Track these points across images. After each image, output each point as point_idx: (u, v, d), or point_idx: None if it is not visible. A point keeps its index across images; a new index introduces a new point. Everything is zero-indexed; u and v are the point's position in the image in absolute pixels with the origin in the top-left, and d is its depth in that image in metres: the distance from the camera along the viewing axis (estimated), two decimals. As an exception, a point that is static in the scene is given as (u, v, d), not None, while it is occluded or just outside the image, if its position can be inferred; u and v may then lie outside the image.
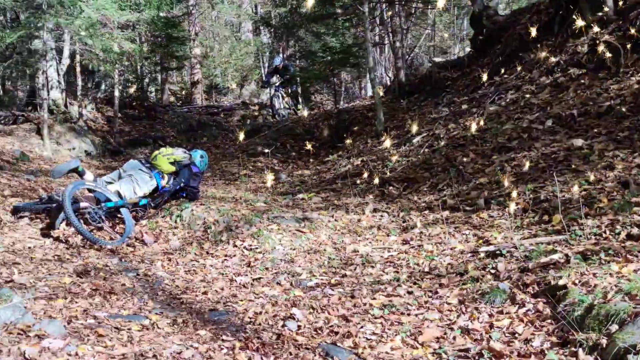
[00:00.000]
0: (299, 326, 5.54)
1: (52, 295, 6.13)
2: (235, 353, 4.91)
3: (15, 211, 9.83)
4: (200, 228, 9.32)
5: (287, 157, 16.66)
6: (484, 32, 15.81)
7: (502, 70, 13.21)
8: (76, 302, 5.99)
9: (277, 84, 23.06)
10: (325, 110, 23.23)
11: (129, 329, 5.33)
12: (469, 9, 22.49)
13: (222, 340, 5.20)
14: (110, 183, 10.14)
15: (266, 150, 16.97)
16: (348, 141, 12.99)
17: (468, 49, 21.92)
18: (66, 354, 4.52)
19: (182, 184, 10.59)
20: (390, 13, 18.09)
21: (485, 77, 11.22)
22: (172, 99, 31.55)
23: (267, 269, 7.43)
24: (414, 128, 11.41)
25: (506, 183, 8.29)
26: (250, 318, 5.82)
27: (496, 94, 12.09)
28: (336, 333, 5.31)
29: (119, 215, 9.75)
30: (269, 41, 31.98)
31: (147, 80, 28.34)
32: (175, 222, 9.75)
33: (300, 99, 24.53)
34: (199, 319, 5.85)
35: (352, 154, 14.01)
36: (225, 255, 8.11)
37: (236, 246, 8.35)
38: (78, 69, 20.65)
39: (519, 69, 12.64)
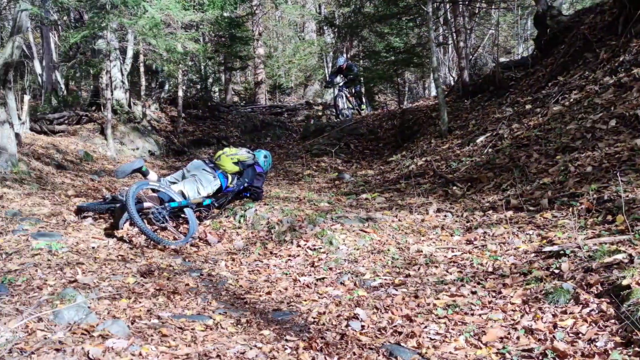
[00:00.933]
0: (362, 326, 5.54)
1: (115, 295, 6.21)
2: (298, 353, 4.94)
3: (79, 211, 9.94)
4: (264, 228, 9.33)
5: (351, 157, 16.66)
6: (547, 32, 15.67)
7: (566, 71, 13.10)
8: (140, 302, 6.07)
9: (340, 84, 23.07)
10: (389, 110, 23.25)
11: (192, 329, 5.39)
12: (533, 9, 22.31)
13: (286, 340, 5.22)
14: (173, 183, 10.23)
15: (330, 150, 16.99)
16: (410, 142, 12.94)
17: (532, 49, 21.77)
18: (130, 354, 4.59)
19: (245, 184, 10.64)
20: (454, 13, 18.03)
21: (548, 77, 11.13)
22: (235, 98, 31.80)
23: (330, 268, 7.41)
24: (478, 128, 11.38)
25: (570, 183, 8.25)
26: (313, 318, 5.83)
27: (560, 94, 11.98)
28: (400, 333, 5.29)
29: (182, 215, 9.83)
30: (333, 41, 31.99)
31: (210, 80, 28.44)
32: (239, 222, 9.79)
33: (364, 99, 24.47)
34: (262, 319, 5.87)
35: (415, 154, 13.99)
36: (289, 255, 8.10)
37: (300, 246, 8.34)
38: (142, 69, 20.77)
39: (582, 69, 12.52)
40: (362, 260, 7.57)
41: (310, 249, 8.15)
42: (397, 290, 6.41)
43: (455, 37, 17.97)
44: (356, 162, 16.05)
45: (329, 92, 29.15)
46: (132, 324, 5.38)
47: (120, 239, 8.86)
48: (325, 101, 29.01)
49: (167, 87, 25.50)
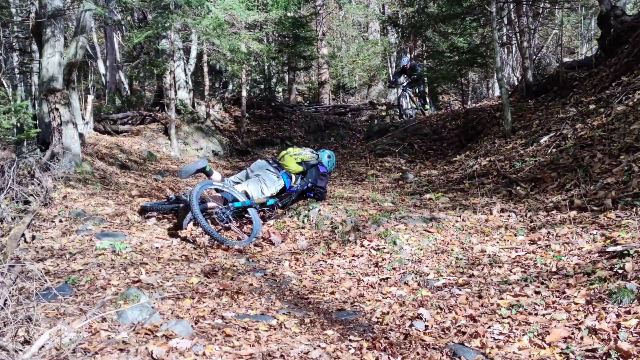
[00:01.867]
0: (426, 326, 5.53)
1: (179, 295, 6.28)
2: (362, 353, 4.95)
3: (143, 211, 10.08)
4: (328, 228, 9.35)
5: (415, 157, 16.59)
6: (611, 32, 15.50)
7: (630, 71, 12.96)
8: (203, 302, 6.13)
9: (404, 84, 23.03)
10: (452, 110, 23.14)
11: (256, 329, 5.43)
12: (597, 9, 22.08)
13: (350, 340, 5.24)
14: (237, 183, 10.29)
15: (394, 150, 16.99)
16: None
17: (595, 49, 21.54)
18: (194, 354, 4.65)
19: (309, 184, 10.66)
20: (517, 13, 17.93)
21: (612, 77, 11.02)
22: (299, 98, 31.92)
23: (394, 268, 7.40)
24: (542, 128, 11.30)
25: (634, 183, 8.17)
26: (377, 318, 5.83)
27: (623, 94, 11.86)
28: (463, 333, 5.28)
29: (246, 215, 9.88)
30: (396, 41, 32.00)
31: (274, 80, 28.62)
32: (303, 222, 9.83)
33: (427, 99, 24.38)
34: (326, 318, 5.89)
35: (479, 154, 13.93)
36: (353, 255, 8.09)
37: (363, 246, 8.32)
38: (205, 69, 20.95)
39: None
40: (425, 260, 7.55)
41: (374, 249, 8.13)
42: (461, 290, 6.39)
43: (519, 37, 17.86)
44: (420, 162, 16.00)
45: (392, 92, 29.26)
46: (196, 324, 5.45)
47: (184, 239, 8.96)
48: (389, 101, 29.04)
49: (230, 87, 25.67)
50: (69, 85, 12.63)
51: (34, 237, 8.13)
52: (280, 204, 10.39)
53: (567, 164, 10.24)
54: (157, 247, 8.39)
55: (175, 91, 18.65)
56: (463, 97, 26.31)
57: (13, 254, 7.15)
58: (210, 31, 16.11)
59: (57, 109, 11.78)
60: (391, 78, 26.55)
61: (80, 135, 12.94)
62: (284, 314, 5.99)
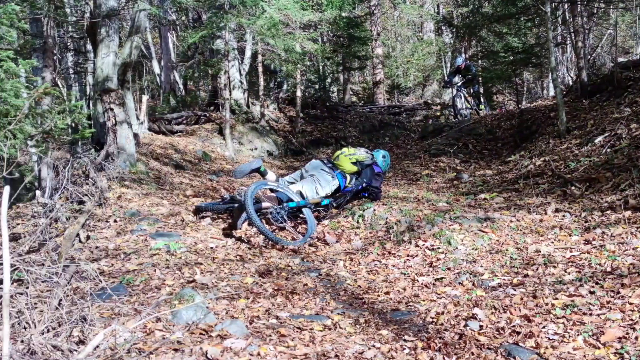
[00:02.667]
0: (480, 326, 5.52)
1: (234, 295, 6.32)
2: (417, 353, 4.96)
3: (198, 211, 10.14)
4: (382, 228, 9.32)
5: (469, 157, 16.53)
6: (667, 31, 15.39)
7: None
8: (258, 302, 6.16)
9: (459, 84, 22.87)
10: (507, 110, 23.03)
11: (311, 329, 5.45)
12: (652, 9, 21.88)
13: (404, 340, 5.24)
14: (292, 183, 10.29)
15: (448, 150, 16.97)
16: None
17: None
18: (248, 353, 4.68)
19: (364, 184, 10.63)
20: (572, 13, 17.81)
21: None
22: (354, 98, 31.93)
23: (449, 268, 7.38)
24: (596, 128, 11.21)
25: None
26: (432, 318, 5.83)
27: (679, 93, 11.76)
28: (518, 333, 5.27)
29: (301, 215, 9.88)
30: (451, 41, 31.85)
31: (329, 80, 28.61)
32: (357, 222, 9.81)
33: (482, 99, 24.26)
34: (381, 318, 5.89)
35: (534, 154, 13.82)
36: (407, 255, 8.08)
37: (418, 246, 8.30)
38: (260, 68, 21.06)
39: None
40: (480, 260, 7.53)
41: (429, 249, 8.12)
42: (515, 290, 6.36)
43: (573, 37, 17.71)
44: (474, 162, 15.94)
45: (447, 92, 29.14)
46: (251, 323, 5.48)
47: (239, 239, 8.98)
48: (443, 101, 28.93)
49: (285, 87, 25.73)
50: (124, 85, 12.75)
51: (88, 237, 8.22)
52: (334, 204, 10.37)
53: (622, 164, 10.17)
54: (211, 247, 8.45)
55: (230, 91, 18.73)
56: (517, 97, 26.09)
57: (68, 254, 7.25)
58: (265, 31, 16.17)
59: (111, 109, 11.90)
60: (446, 78, 26.50)
61: (135, 135, 13.05)
62: (338, 314, 6.01)
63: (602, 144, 11.80)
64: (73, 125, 12.32)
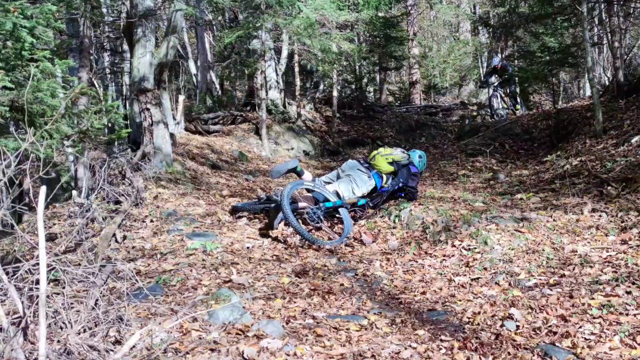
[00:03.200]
0: (517, 326, 5.52)
1: (270, 296, 6.35)
2: (453, 353, 4.98)
3: (234, 211, 10.17)
4: (419, 228, 9.28)
5: (506, 157, 16.46)
6: None
7: None
8: (294, 302, 6.19)
9: (495, 84, 22.81)
10: (543, 110, 22.93)
11: (347, 329, 5.46)
12: (691, 8, 21.70)
13: (441, 340, 5.26)
14: (328, 183, 10.27)
15: (485, 150, 16.94)
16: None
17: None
18: (284, 353, 4.71)
19: (400, 184, 10.58)
20: (608, 13, 17.74)
21: None
22: (390, 98, 31.96)
23: (485, 268, 7.37)
24: (633, 128, 11.15)
25: None
26: (468, 318, 5.84)
27: None
28: (555, 333, 5.27)
29: (337, 216, 9.89)
30: (487, 41, 31.82)
31: (365, 80, 28.73)
32: (394, 222, 9.77)
33: (518, 99, 24.11)
34: (417, 319, 5.90)
35: (570, 154, 13.76)
36: (444, 255, 8.07)
37: (454, 246, 8.29)
38: (296, 69, 21.07)
39: None
40: (516, 260, 7.49)
41: (465, 249, 8.10)
42: (551, 290, 6.35)
43: (610, 37, 17.67)
44: (511, 162, 15.87)
45: (483, 92, 29.00)
46: (287, 324, 5.50)
47: (275, 239, 8.99)
48: (479, 101, 28.83)
49: (321, 87, 25.79)
50: (160, 85, 12.80)
51: (125, 237, 8.28)
52: (371, 204, 10.32)
53: (659, 164, 10.12)
54: (248, 247, 8.47)
55: (267, 91, 18.80)
56: (554, 97, 26.03)
57: (104, 254, 7.30)
58: (302, 31, 16.22)
59: (148, 109, 11.98)
60: (482, 78, 26.41)
61: (172, 135, 13.11)
62: (375, 314, 6.01)
63: (638, 144, 11.74)
64: (109, 125, 12.39)
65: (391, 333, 5.46)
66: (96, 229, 8.29)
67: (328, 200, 9.64)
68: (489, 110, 23.24)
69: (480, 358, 4.91)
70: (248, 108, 20.39)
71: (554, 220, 8.82)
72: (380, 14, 23.08)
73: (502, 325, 5.54)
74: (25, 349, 4.15)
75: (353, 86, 27.61)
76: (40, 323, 3.80)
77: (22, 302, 4.24)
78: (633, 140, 12.06)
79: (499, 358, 4.89)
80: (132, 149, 12.11)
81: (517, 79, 23.90)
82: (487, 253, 7.80)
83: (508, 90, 22.85)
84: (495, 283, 6.88)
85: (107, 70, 23.18)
